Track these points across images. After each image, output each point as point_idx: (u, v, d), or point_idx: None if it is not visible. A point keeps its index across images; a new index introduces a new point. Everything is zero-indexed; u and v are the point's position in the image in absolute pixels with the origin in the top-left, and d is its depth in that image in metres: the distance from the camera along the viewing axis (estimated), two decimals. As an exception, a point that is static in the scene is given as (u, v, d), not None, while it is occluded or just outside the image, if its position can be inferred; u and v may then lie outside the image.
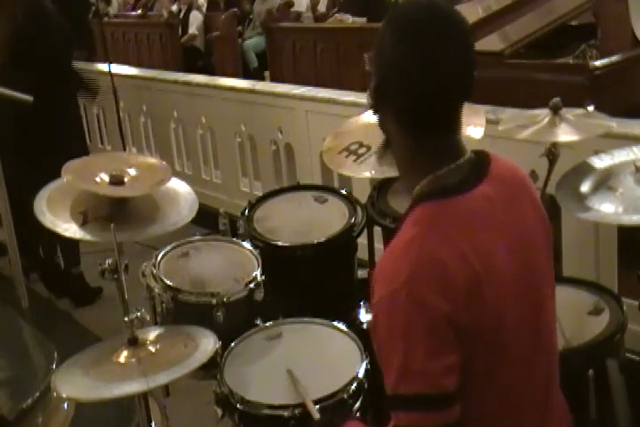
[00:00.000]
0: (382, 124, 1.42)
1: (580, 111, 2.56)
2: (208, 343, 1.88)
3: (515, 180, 1.46)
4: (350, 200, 2.66)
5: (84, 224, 2.05)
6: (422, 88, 1.31)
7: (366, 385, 1.97)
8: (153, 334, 1.94)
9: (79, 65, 4.57)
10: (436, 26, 1.31)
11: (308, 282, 2.53)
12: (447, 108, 1.35)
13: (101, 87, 4.57)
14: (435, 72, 1.30)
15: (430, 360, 1.26)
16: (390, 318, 1.28)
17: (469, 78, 1.34)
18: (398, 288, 1.27)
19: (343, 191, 2.70)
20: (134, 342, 1.82)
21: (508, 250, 1.36)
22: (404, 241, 1.33)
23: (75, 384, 1.75)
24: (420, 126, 1.35)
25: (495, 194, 1.38)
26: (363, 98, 4.03)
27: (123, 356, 1.81)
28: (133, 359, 1.79)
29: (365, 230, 2.63)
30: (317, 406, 1.87)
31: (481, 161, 1.41)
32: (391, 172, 2.38)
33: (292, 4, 9.50)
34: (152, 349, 1.83)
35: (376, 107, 1.38)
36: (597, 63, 4.12)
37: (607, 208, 2.13)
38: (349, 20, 7.61)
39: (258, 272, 2.30)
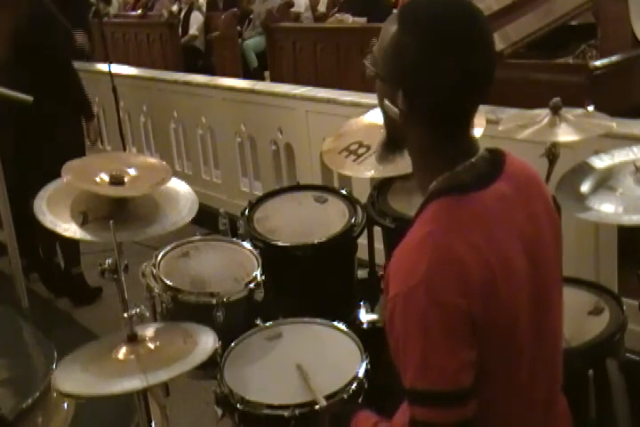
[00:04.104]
0: (401, 127, 1.39)
1: (579, 111, 2.56)
2: (207, 341, 1.88)
3: (528, 179, 1.46)
4: (350, 200, 2.66)
5: (83, 224, 2.05)
6: (454, 88, 1.30)
7: (366, 385, 1.97)
8: (152, 330, 1.94)
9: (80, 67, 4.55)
10: (460, 24, 1.30)
11: (308, 282, 2.52)
12: (472, 106, 1.36)
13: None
14: (465, 71, 1.29)
15: (447, 357, 1.26)
16: (408, 315, 1.28)
17: (492, 75, 1.34)
18: (415, 285, 1.27)
19: (343, 191, 2.70)
20: (133, 339, 1.82)
21: (522, 248, 1.36)
22: (420, 236, 1.33)
23: (74, 380, 1.74)
24: (445, 125, 1.35)
25: (510, 192, 1.39)
26: (363, 98, 4.06)
27: (122, 352, 1.80)
28: (132, 356, 1.79)
29: (365, 230, 2.63)
30: (317, 406, 1.87)
31: (496, 159, 1.42)
32: (391, 171, 2.40)
33: (292, 4, 9.50)
34: (151, 345, 1.83)
35: (405, 113, 1.35)
36: (597, 63, 4.13)
37: (607, 208, 2.13)
38: (349, 20, 7.61)
39: (258, 272, 2.30)
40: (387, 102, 1.37)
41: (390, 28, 1.34)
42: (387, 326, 1.34)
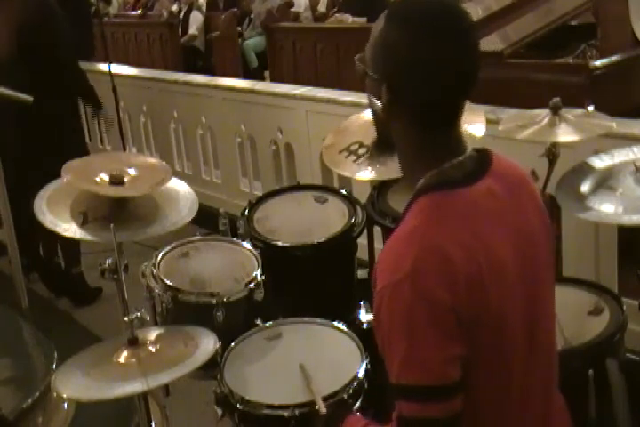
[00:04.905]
0: (386, 123, 1.41)
1: (579, 111, 2.56)
2: (208, 343, 1.88)
3: (516, 177, 1.46)
4: (350, 200, 2.66)
5: (83, 224, 2.05)
6: (440, 84, 1.31)
7: (366, 385, 1.97)
8: (153, 334, 1.94)
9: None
10: (450, 20, 1.32)
11: (308, 282, 2.52)
12: (458, 104, 1.37)
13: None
14: (451, 67, 1.30)
15: (433, 352, 1.26)
16: (393, 309, 1.28)
17: (477, 73, 1.35)
18: (402, 279, 1.27)
19: (343, 191, 2.70)
20: (134, 343, 1.82)
21: (512, 245, 1.36)
22: (408, 230, 1.33)
23: (75, 384, 1.75)
24: (431, 122, 1.35)
25: (499, 189, 1.39)
26: (363, 98, 4.04)
27: (123, 356, 1.80)
28: (133, 359, 1.79)
29: (365, 230, 2.63)
30: (317, 406, 1.87)
31: (484, 158, 1.42)
32: (389, 173, 2.40)
33: (291, 4, 9.50)
34: (152, 349, 1.83)
35: (387, 107, 1.36)
36: (597, 63, 4.13)
37: (607, 208, 2.13)
38: (349, 20, 7.61)
39: (258, 272, 2.30)
40: (372, 98, 1.38)
41: (379, 25, 1.36)
42: (374, 320, 1.34)
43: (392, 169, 2.24)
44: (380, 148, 1.48)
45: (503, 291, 1.33)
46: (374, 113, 1.43)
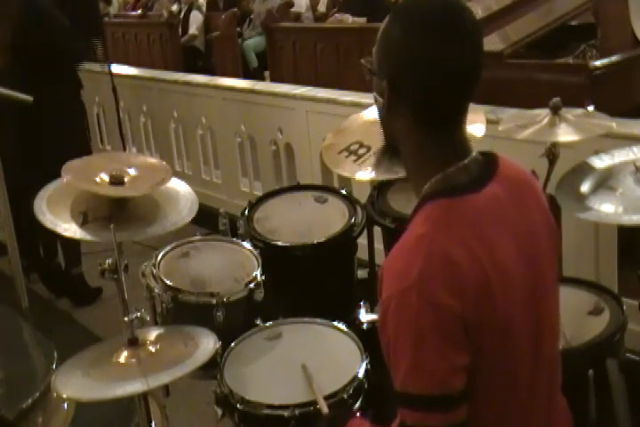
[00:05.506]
0: (389, 123, 1.41)
1: (579, 111, 2.56)
2: (208, 343, 1.88)
3: (521, 180, 1.46)
4: (350, 200, 2.66)
5: (83, 224, 2.05)
6: (439, 83, 1.31)
7: (366, 385, 1.97)
8: (153, 334, 1.94)
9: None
10: (453, 20, 1.32)
11: (308, 282, 2.52)
12: (458, 104, 1.36)
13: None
14: (451, 67, 1.30)
15: (439, 360, 1.26)
16: (400, 317, 1.27)
17: (479, 73, 1.34)
18: (409, 287, 1.26)
19: (343, 191, 2.70)
20: (134, 343, 1.82)
21: (517, 250, 1.36)
22: (414, 238, 1.32)
23: (75, 384, 1.75)
24: (430, 121, 1.35)
25: (504, 194, 1.38)
26: (363, 98, 4.06)
27: (123, 356, 1.80)
28: (133, 359, 1.79)
29: (365, 230, 2.63)
30: (318, 406, 1.87)
31: (490, 161, 1.42)
32: (389, 175, 2.40)
33: (292, 4, 9.50)
34: (152, 349, 1.83)
35: (388, 105, 1.36)
36: (597, 63, 4.13)
37: (607, 208, 2.13)
38: (349, 20, 7.61)
39: (258, 272, 2.30)
40: (377, 96, 1.39)
41: (384, 23, 1.37)
42: (379, 327, 1.33)
43: (391, 172, 2.25)
44: (387, 151, 1.47)
45: (509, 294, 1.32)
46: (379, 112, 1.43)
